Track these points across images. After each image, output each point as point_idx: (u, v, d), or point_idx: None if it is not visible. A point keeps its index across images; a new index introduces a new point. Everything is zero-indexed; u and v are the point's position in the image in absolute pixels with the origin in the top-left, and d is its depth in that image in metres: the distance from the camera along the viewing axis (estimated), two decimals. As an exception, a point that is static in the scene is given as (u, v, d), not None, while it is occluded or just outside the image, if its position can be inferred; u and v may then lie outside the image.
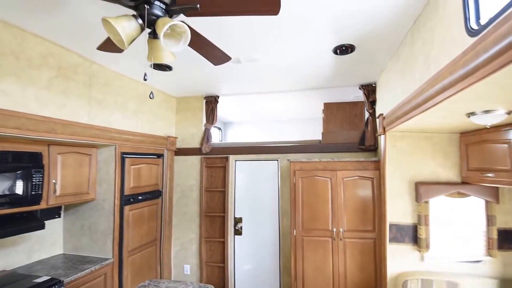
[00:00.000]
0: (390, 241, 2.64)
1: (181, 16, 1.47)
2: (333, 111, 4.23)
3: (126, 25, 1.20)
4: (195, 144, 3.89)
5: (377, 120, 2.94)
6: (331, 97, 4.05)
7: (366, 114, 3.75)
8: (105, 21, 1.18)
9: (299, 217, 3.14)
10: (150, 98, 1.37)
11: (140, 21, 1.27)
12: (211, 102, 3.88)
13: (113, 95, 2.96)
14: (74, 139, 2.46)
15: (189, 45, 1.64)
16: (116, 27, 1.15)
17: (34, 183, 2.34)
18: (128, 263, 3.09)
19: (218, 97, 3.91)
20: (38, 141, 2.38)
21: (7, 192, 2.17)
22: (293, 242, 3.16)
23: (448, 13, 1.39)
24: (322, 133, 3.66)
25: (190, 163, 3.89)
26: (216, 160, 3.84)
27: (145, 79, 1.39)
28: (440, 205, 2.56)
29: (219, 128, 6.25)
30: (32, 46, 2.14)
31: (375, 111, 3.28)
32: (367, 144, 3.27)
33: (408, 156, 2.62)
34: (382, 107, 2.94)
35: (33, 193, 2.32)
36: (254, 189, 3.77)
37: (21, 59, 2.06)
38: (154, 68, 2.83)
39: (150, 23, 1.31)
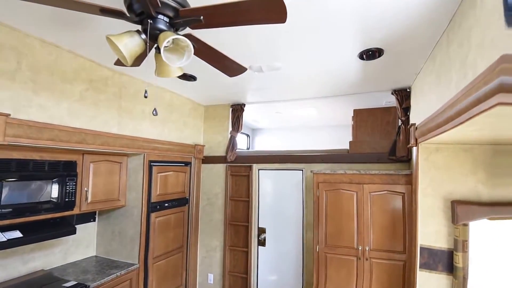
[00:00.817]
0: (420, 267, 2.34)
1: (190, 30, 1.43)
2: (363, 118, 3.97)
3: (128, 41, 1.19)
4: (221, 152, 3.87)
5: (410, 129, 2.63)
6: (361, 103, 3.82)
7: (399, 122, 3.49)
8: (108, 39, 1.18)
9: (322, 233, 2.95)
10: (154, 115, 1.36)
11: (143, 36, 1.25)
12: (237, 110, 3.86)
13: (142, 105, 3.02)
14: (104, 149, 2.53)
15: (201, 57, 1.64)
16: (118, 44, 1.14)
17: (68, 190, 2.47)
18: (154, 269, 3.12)
19: (244, 105, 3.87)
20: (73, 151, 2.48)
21: (43, 199, 2.30)
22: (315, 258, 2.97)
23: (486, 10, 1.17)
24: (350, 142, 3.40)
25: (216, 171, 3.88)
26: (241, 169, 3.79)
27: (145, 97, 1.36)
28: (483, 229, 2.18)
29: (247, 135, 6.20)
30: (66, 61, 2.26)
31: (408, 119, 3.00)
32: (398, 154, 2.98)
33: (444, 170, 2.32)
34: (416, 114, 2.66)
35: (66, 200, 2.44)
36: (278, 200, 3.65)
37: (55, 74, 2.19)
38: (179, 78, 2.86)
39: (155, 38, 1.28)
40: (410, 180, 2.67)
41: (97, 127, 2.48)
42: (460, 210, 2.15)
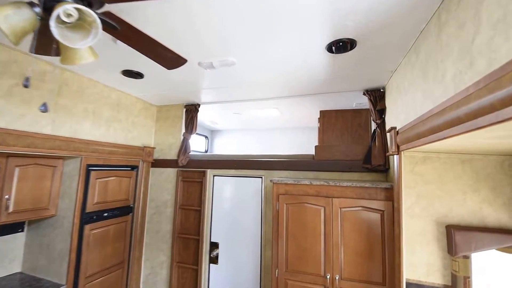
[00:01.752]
0: (407, 308, 1.96)
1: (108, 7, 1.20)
2: (331, 120, 3.91)
3: (12, 13, 1.07)
4: (173, 155, 3.69)
5: (388, 134, 2.47)
6: (329, 104, 3.77)
7: (373, 125, 3.73)
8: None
9: (282, 255, 2.67)
10: (42, 111, 1.28)
11: (37, 9, 1.11)
12: (191, 110, 3.68)
13: (85, 102, 2.90)
14: (30, 151, 2.41)
15: (129, 44, 1.49)
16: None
17: (-17, 198, 2.15)
18: (85, 290, 2.79)
19: (199, 105, 3.70)
20: (-4, 153, 2.20)
21: None
22: (274, 285, 2.67)
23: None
24: (316, 147, 3.26)
25: (166, 176, 3.71)
26: (194, 174, 3.63)
27: (25, 86, 1.32)
28: (491, 263, 1.84)
29: (206, 137, 6.02)
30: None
31: (384, 122, 2.90)
32: (374, 163, 2.86)
33: (435, 186, 2.11)
34: (394, 117, 2.50)
35: (-19, 209, 2.12)
36: (234, 211, 3.48)
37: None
38: (124, 75, 2.77)
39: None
40: (391, 196, 2.36)
41: (24, 126, 2.36)
42: (459, 238, 1.87)
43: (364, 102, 3.65)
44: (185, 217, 3.68)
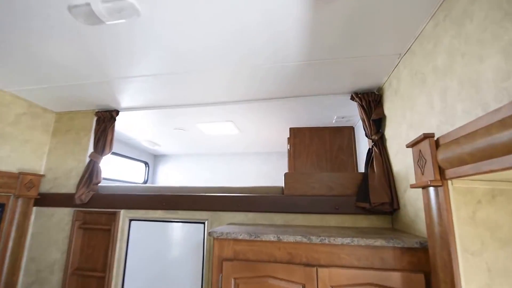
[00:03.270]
0: None
1: None
2: (304, 141, 2.91)
3: None
4: (71, 187, 2.39)
5: (412, 151, 1.28)
6: (303, 119, 2.78)
7: (363, 144, 2.65)
8: None
9: None
10: None
11: None
12: (105, 119, 2.47)
13: None
14: None
15: None
16: None
17: None
18: None
19: (117, 112, 2.52)
20: None
21: None
22: None
23: None
24: (287, 175, 2.14)
25: (58, 220, 2.35)
26: (100, 218, 2.32)
27: None
28: None
29: (145, 163, 4.57)
30: None
31: (383, 138, 1.97)
32: (374, 200, 1.83)
33: None
34: (406, 126, 1.62)
35: None
36: (159, 278, 2.17)
37: None
38: None
39: None
40: (425, 262, 1.29)
41: None
42: None
43: (347, 117, 2.59)
44: (79, 290, 2.22)
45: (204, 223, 2.15)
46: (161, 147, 4.00)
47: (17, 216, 2.26)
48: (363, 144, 2.65)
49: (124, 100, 2.35)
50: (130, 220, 2.27)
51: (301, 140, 2.92)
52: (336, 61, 1.73)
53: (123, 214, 2.26)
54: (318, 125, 2.92)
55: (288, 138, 3.01)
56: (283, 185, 2.15)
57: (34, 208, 2.41)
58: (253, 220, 2.07)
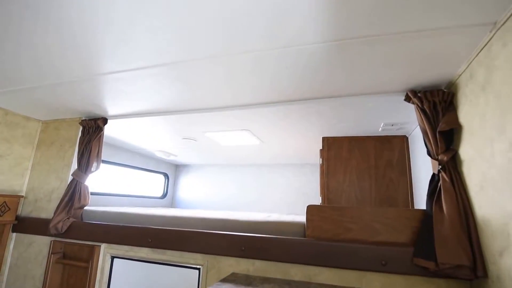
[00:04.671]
0: None
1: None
2: (340, 154, 2.23)
3: None
4: (51, 211, 1.93)
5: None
6: (338, 127, 2.06)
7: (422, 159, 1.90)
8: None
9: None
10: None
11: None
12: (90, 129, 2.01)
13: None
14: None
15: None
16: None
17: None
18: None
19: (105, 120, 2.04)
20: None
21: None
22: None
23: None
24: (310, 209, 1.46)
25: (36, 250, 1.92)
26: (81, 250, 1.81)
27: None
28: None
29: (165, 175, 3.99)
30: None
31: (456, 160, 1.27)
32: (443, 259, 1.13)
33: None
34: (511, 142, 0.92)
35: None
36: None
37: None
38: None
39: None
40: None
41: None
42: None
43: (398, 124, 1.83)
44: None
45: (199, 269, 1.55)
46: (178, 157, 3.47)
47: (-11, 245, 1.84)
48: (421, 159, 1.87)
49: (113, 105, 1.86)
50: (113, 258, 1.74)
51: (337, 152, 2.22)
52: (382, 40, 1.03)
53: (104, 250, 1.74)
54: (359, 134, 2.18)
55: (321, 150, 2.31)
56: (305, 222, 1.45)
57: (14, 235, 1.98)
58: (262, 271, 1.44)
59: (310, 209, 1.49)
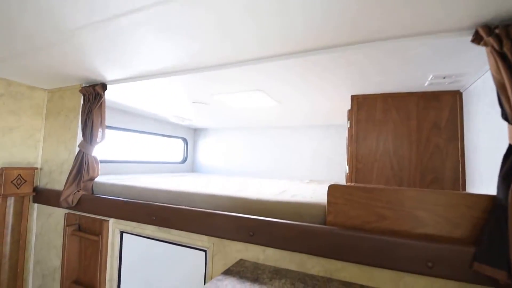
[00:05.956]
0: None
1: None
2: (373, 115, 1.77)
3: None
4: (63, 183, 1.79)
5: None
6: (372, 84, 1.60)
7: (480, 124, 1.41)
8: None
9: None
10: None
11: None
12: (89, 97, 1.75)
13: None
14: None
15: None
16: None
17: None
18: None
19: (104, 86, 1.75)
20: None
21: None
22: None
23: None
24: (330, 190, 1.11)
25: (55, 221, 1.84)
26: (93, 224, 1.66)
27: None
28: None
29: (184, 140, 3.75)
30: None
31: None
32: None
33: None
34: None
35: None
36: None
37: None
38: None
39: None
40: None
41: None
42: None
43: (454, 75, 1.32)
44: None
45: (205, 251, 1.31)
46: (193, 121, 3.18)
47: (10, 218, 1.76)
48: (480, 123, 1.38)
49: (109, 69, 1.56)
50: (122, 233, 1.57)
51: (369, 113, 1.78)
52: None
53: (112, 225, 1.57)
54: (398, 90, 1.68)
55: (349, 110, 1.86)
56: (326, 205, 1.13)
57: (35, 205, 1.89)
58: (273, 260, 1.18)
59: (333, 190, 1.13)
